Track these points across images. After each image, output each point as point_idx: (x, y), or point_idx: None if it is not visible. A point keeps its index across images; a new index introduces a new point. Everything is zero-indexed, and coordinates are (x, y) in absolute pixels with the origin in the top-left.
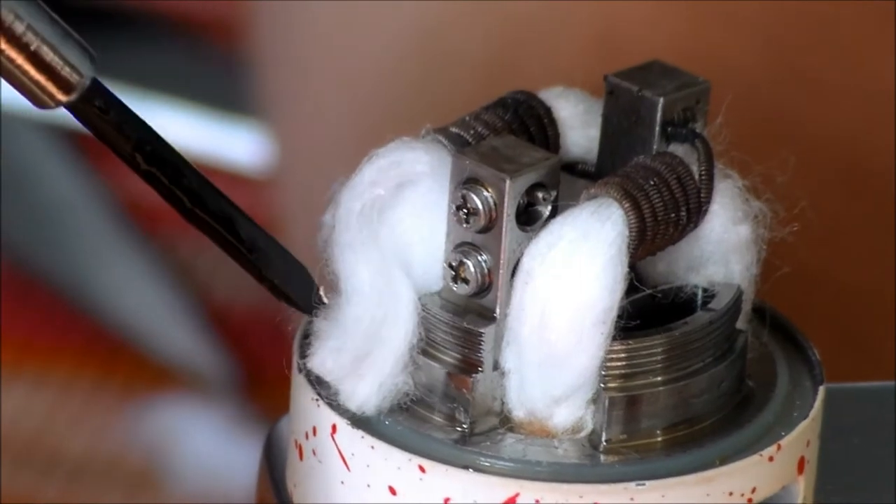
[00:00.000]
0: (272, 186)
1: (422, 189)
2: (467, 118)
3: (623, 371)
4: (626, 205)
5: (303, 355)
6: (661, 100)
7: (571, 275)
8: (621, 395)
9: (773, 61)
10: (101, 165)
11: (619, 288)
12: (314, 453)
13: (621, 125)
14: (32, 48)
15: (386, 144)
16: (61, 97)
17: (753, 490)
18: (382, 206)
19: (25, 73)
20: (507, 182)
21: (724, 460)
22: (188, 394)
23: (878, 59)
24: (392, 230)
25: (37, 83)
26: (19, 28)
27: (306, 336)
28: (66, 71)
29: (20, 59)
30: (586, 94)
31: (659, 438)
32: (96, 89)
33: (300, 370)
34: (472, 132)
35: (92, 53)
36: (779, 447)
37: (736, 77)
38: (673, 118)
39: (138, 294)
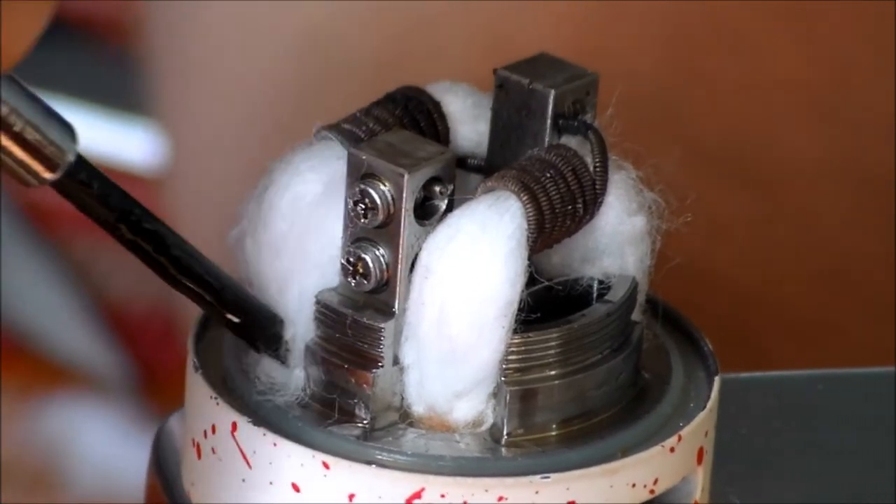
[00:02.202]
0: (165, 185)
1: (318, 205)
2: (358, 114)
3: (523, 364)
4: (525, 197)
5: (198, 353)
6: (553, 92)
7: (471, 268)
8: (521, 389)
9: (667, 57)
10: None
11: (520, 281)
12: (213, 451)
13: (511, 119)
14: (16, 129)
15: (274, 168)
16: (47, 175)
17: (655, 481)
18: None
19: (10, 154)
20: (406, 177)
21: (626, 452)
22: (85, 393)
23: (770, 54)
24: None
25: (22, 164)
26: (4, 110)
27: (200, 336)
28: (50, 150)
29: (5, 141)
30: (474, 88)
31: (559, 431)
32: (79, 164)
33: (196, 369)
34: (364, 128)
35: (73, 130)
36: (679, 438)
37: (626, 70)
38: (564, 110)
39: (34, 294)
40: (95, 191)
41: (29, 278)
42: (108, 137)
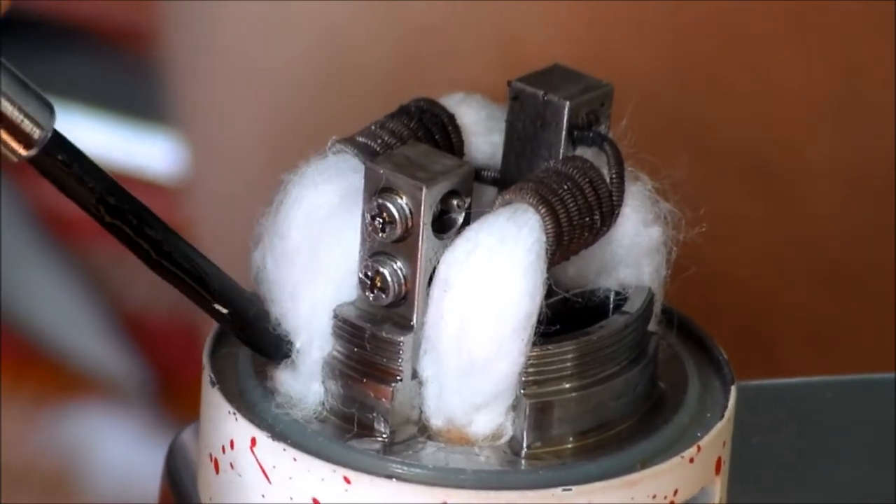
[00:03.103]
0: (185, 193)
1: (334, 216)
2: (373, 127)
3: (541, 377)
4: (543, 210)
5: (213, 368)
6: (568, 103)
7: (490, 282)
8: (541, 401)
9: (677, 64)
10: (17, 175)
11: (540, 294)
12: (232, 467)
13: (526, 130)
14: None
15: (289, 180)
16: (23, 152)
17: (675, 492)
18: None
19: None
20: (424, 190)
21: (646, 463)
22: (102, 400)
23: (781, 62)
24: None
25: None
26: None
27: (215, 351)
28: (26, 125)
29: None
30: (487, 99)
31: (578, 443)
32: (58, 142)
33: (213, 384)
34: (379, 141)
35: (52, 107)
36: (699, 448)
37: (639, 80)
38: (578, 122)
39: (53, 302)
40: (75, 171)
41: (48, 286)
42: (128, 146)
